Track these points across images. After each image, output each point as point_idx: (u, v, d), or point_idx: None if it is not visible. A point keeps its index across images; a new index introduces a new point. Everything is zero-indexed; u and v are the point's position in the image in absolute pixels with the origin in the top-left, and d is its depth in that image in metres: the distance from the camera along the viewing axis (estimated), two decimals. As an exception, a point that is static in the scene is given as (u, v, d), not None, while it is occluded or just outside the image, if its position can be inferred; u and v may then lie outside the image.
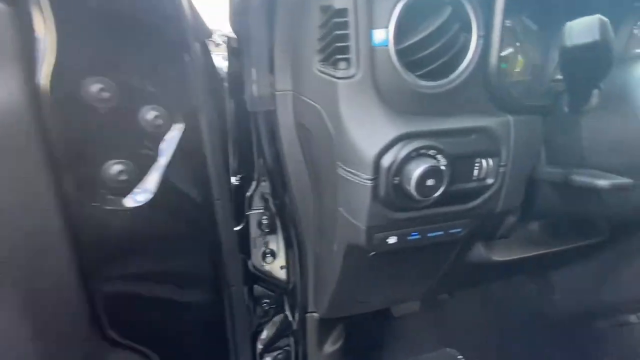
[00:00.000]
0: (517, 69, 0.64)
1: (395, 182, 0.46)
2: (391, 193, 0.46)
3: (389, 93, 0.47)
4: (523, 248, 0.72)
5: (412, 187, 0.44)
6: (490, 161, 0.50)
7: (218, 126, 0.56)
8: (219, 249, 0.58)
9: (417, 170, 0.44)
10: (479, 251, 0.68)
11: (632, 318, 0.98)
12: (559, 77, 0.63)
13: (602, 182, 0.45)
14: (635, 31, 0.69)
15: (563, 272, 1.05)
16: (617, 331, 1.01)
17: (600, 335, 1.05)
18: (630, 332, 0.98)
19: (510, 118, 0.51)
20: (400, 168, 0.45)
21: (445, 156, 0.46)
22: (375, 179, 0.46)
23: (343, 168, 0.49)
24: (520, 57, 0.64)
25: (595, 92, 0.50)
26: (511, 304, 1.23)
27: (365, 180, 0.46)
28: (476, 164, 0.50)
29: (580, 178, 0.48)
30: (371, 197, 0.47)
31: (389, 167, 0.45)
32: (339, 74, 0.46)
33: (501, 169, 0.52)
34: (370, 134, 0.46)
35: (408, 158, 0.45)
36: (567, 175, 0.50)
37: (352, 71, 0.45)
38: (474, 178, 0.51)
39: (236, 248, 0.63)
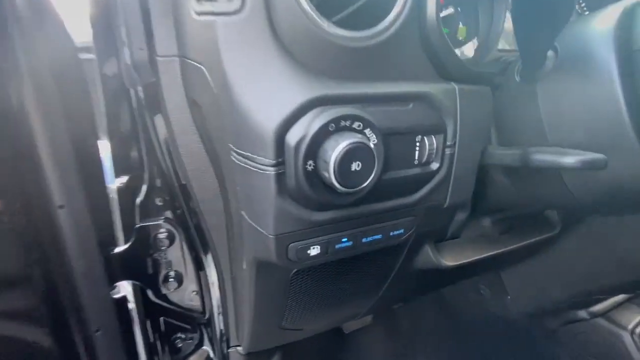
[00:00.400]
0: (460, 37, 0.54)
1: (309, 167, 0.32)
2: (304, 184, 0.32)
3: (295, 43, 0.33)
4: (476, 249, 0.62)
5: (331, 173, 0.31)
6: (434, 140, 0.39)
7: (62, 100, 0.38)
8: (69, 278, 0.39)
9: (336, 149, 0.30)
10: (427, 256, 0.57)
11: (582, 314, 0.95)
12: (507, 47, 0.55)
13: (569, 160, 0.36)
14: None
15: (513, 271, 1.00)
16: (569, 329, 0.97)
17: (552, 334, 1.01)
18: (581, 328, 0.95)
19: (456, 86, 0.40)
20: (313, 147, 0.31)
21: (375, 131, 0.33)
22: (280, 164, 0.32)
23: (236, 151, 0.34)
24: (462, 24, 0.55)
25: (551, 54, 0.42)
26: (465, 308, 1.17)
27: (266, 167, 0.32)
28: (417, 143, 0.38)
29: (542, 157, 0.38)
30: (276, 191, 0.33)
31: (298, 146, 0.31)
32: (218, 7, 0.32)
33: (448, 151, 0.40)
34: (268, 98, 0.32)
35: (324, 133, 0.31)
36: (526, 156, 0.40)
37: (235, 4, 0.31)
38: (415, 162, 0.39)
39: (102, 275, 0.45)
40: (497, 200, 0.56)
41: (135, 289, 0.63)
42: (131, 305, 0.63)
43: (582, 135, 0.39)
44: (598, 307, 0.93)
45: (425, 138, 0.38)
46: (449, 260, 0.58)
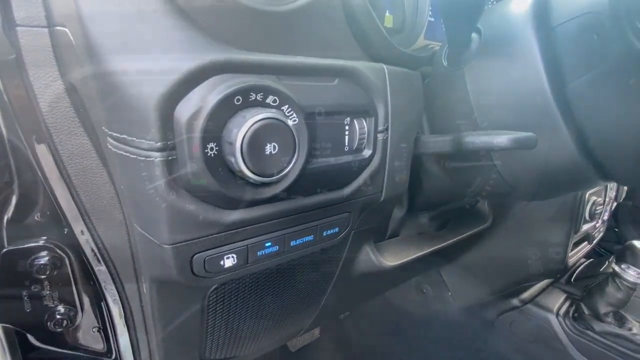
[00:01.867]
0: (387, 25, 0.52)
1: (210, 152, 0.25)
2: (205, 174, 0.25)
3: (190, 1, 0.26)
4: (415, 247, 0.60)
5: (238, 157, 0.24)
6: (365, 123, 0.34)
7: None
8: None
9: (244, 125, 0.24)
10: (368, 258, 0.52)
11: (515, 302, 1.00)
12: (431, 43, 0.54)
13: (500, 140, 0.34)
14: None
15: (452, 267, 1.02)
16: (504, 318, 1.01)
17: (490, 324, 1.04)
18: (514, 317, 1.00)
19: (385, 67, 0.37)
20: (214, 126, 0.24)
21: (295, 109, 0.28)
22: (168, 148, 0.24)
23: (110, 135, 0.26)
24: (388, 13, 0.53)
25: (475, 36, 0.41)
26: (410, 310, 1.17)
27: (148, 153, 0.24)
28: (346, 127, 0.33)
29: (473, 139, 0.36)
30: (167, 185, 0.25)
31: (191, 123, 0.24)
32: None
33: (380, 136, 0.36)
34: (148, 60, 0.24)
35: (227, 107, 0.25)
36: (458, 140, 0.38)
37: None
38: (345, 149, 0.34)
39: None
40: (433, 194, 0.55)
41: (7, 334, 0.49)
42: (4, 356, 0.49)
43: (509, 117, 0.38)
44: (527, 294, 0.99)
45: (355, 121, 0.34)
46: (390, 260, 0.54)
